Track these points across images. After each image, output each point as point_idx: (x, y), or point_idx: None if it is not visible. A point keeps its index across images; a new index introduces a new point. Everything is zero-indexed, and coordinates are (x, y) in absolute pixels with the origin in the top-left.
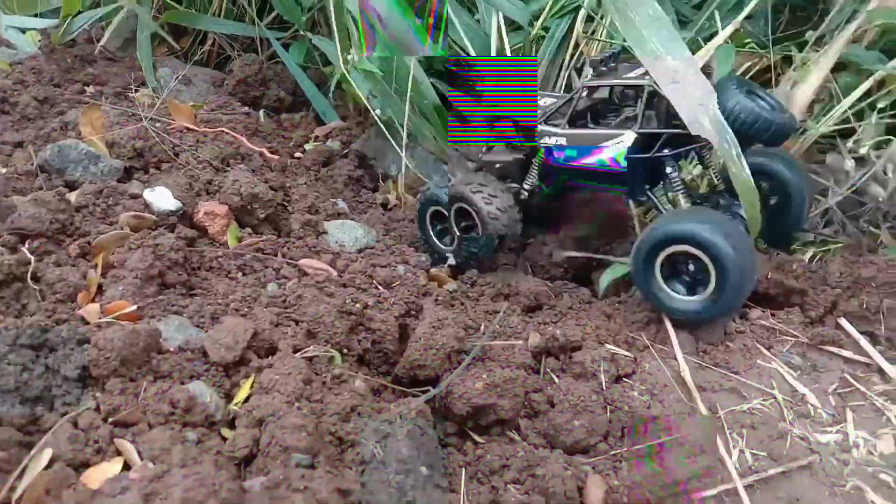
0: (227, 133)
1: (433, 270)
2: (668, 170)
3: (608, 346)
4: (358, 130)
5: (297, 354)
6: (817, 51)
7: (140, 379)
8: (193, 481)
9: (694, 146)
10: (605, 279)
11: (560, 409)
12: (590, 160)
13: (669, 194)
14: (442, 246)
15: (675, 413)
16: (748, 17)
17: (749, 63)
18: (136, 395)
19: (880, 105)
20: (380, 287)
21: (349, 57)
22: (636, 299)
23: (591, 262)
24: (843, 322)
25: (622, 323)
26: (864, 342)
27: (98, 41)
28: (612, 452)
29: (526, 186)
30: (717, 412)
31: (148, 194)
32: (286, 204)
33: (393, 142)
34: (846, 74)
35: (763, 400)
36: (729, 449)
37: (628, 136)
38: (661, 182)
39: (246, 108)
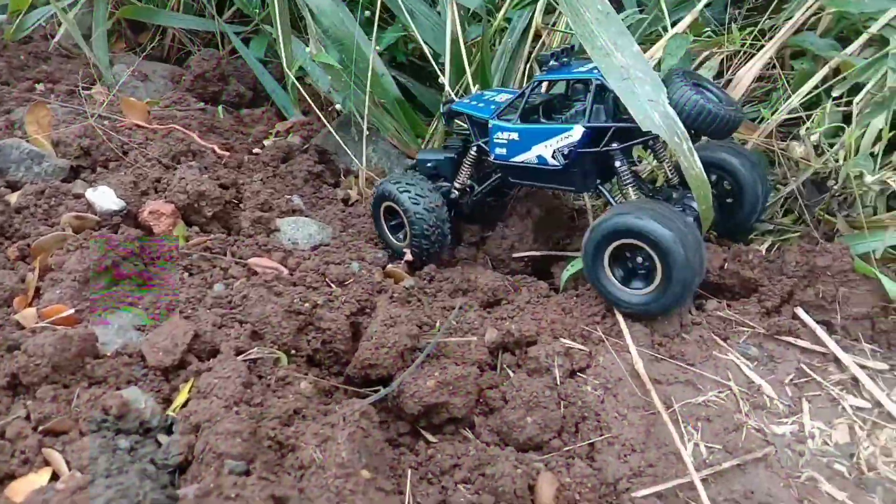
0: (177, 130)
1: (389, 267)
2: (618, 164)
3: (563, 340)
4: (320, 125)
5: (240, 357)
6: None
7: (74, 385)
8: (116, 492)
9: (642, 139)
10: (565, 275)
11: (513, 405)
12: (528, 156)
13: (621, 188)
14: (396, 241)
15: (628, 407)
16: (708, 5)
17: (708, 52)
18: (69, 403)
19: (835, 93)
20: (332, 285)
21: (307, 50)
22: (593, 292)
23: (551, 255)
24: (800, 312)
25: (578, 316)
26: (820, 331)
27: (54, 37)
28: (566, 448)
29: (457, 185)
30: (672, 405)
31: (90, 194)
32: (238, 201)
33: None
34: (803, 61)
35: (719, 392)
36: (684, 442)
37: (577, 131)
38: (615, 176)
39: (202, 104)
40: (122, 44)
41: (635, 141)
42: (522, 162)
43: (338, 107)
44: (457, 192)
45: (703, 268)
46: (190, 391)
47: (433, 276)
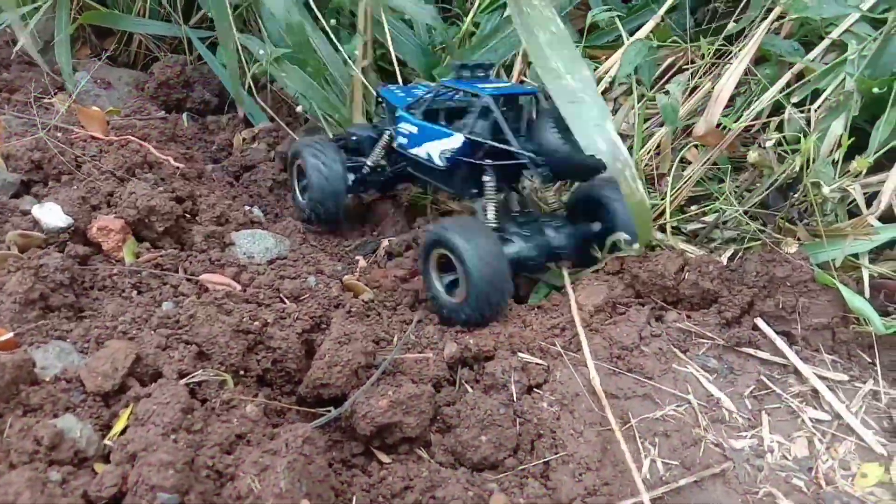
0: (133, 141)
1: (348, 280)
2: (485, 178)
3: (521, 354)
4: (286, 132)
5: (184, 380)
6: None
7: (7, 414)
8: None
9: (513, 162)
10: (534, 299)
11: (467, 424)
12: (420, 151)
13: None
14: (302, 200)
15: (585, 423)
16: (673, 10)
17: (673, 57)
18: (1, 433)
19: (794, 99)
20: (286, 301)
21: (261, 52)
22: (551, 304)
23: None
24: (760, 322)
25: (538, 329)
26: (780, 342)
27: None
28: (521, 468)
29: (369, 163)
30: (629, 420)
31: (36, 210)
32: (193, 214)
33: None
34: (767, 67)
35: (677, 406)
36: (640, 459)
37: (457, 138)
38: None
39: (163, 113)
40: (88, 50)
41: (505, 162)
42: (416, 155)
43: (299, 109)
44: (368, 169)
45: (505, 289)
46: (128, 418)
47: (395, 287)
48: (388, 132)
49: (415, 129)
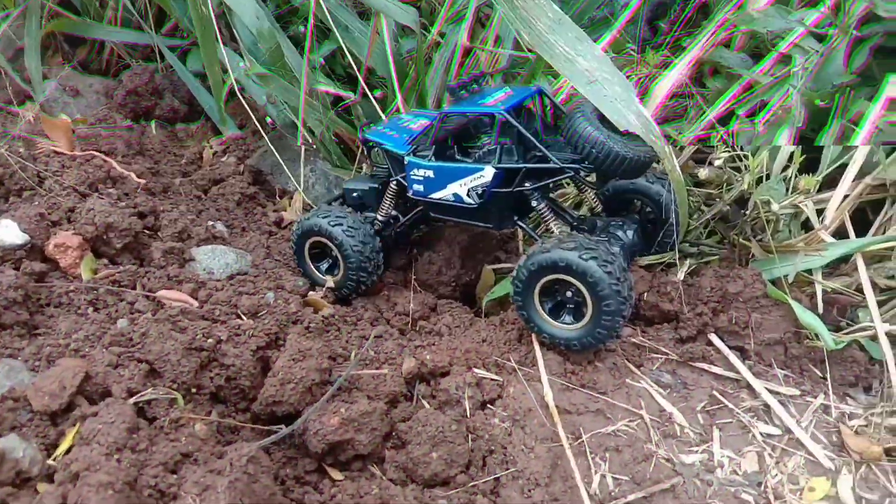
0: (97, 156)
1: (310, 295)
2: (534, 203)
3: (477, 370)
4: (255, 142)
5: (133, 398)
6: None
7: None
8: None
9: (556, 178)
10: (486, 301)
11: (419, 440)
12: (445, 194)
13: (542, 225)
14: (319, 275)
15: (536, 439)
16: (633, 21)
17: (629, 70)
18: None
19: (739, 112)
20: (243, 317)
21: (239, 64)
22: (510, 318)
23: (477, 279)
24: (714, 338)
25: (495, 345)
26: (733, 357)
27: None
28: (471, 484)
29: (380, 217)
30: (581, 436)
31: None
32: (155, 230)
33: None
34: (717, 80)
35: (630, 421)
36: (590, 474)
37: (487, 171)
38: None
39: (129, 122)
40: (59, 58)
41: (549, 180)
42: (441, 199)
43: (268, 119)
44: (381, 223)
45: (632, 295)
46: (74, 437)
47: (354, 303)
48: (394, 182)
49: (431, 174)
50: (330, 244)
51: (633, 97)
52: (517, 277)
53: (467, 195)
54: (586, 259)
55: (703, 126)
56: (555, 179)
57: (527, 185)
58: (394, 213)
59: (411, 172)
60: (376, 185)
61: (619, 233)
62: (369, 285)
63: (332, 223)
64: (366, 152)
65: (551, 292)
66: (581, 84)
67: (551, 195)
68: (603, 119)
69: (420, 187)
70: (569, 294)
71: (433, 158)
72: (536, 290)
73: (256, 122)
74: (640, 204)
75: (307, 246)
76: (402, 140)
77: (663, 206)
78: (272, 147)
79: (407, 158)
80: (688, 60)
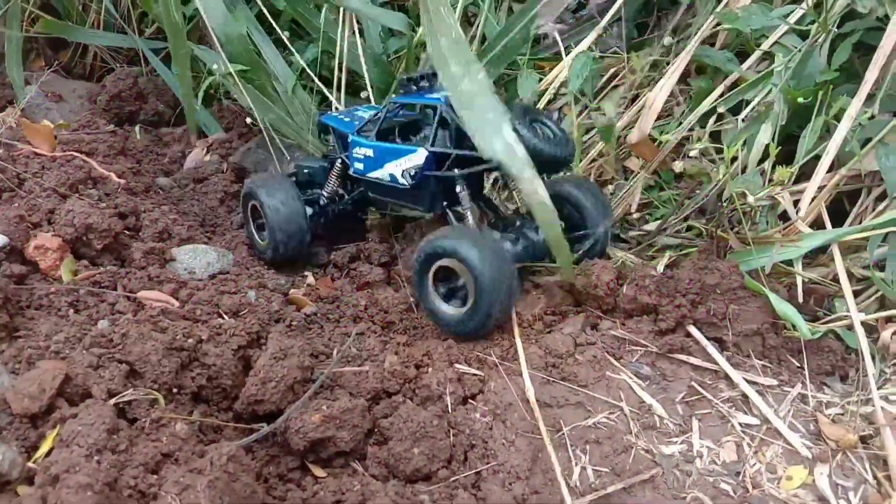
0: (77, 157)
1: (292, 293)
2: (458, 189)
3: (458, 365)
4: (240, 143)
5: (113, 399)
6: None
7: None
8: None
9: (483, 167)
10: None
11: (400, 436)
12: (381, 174)
13: (460, 211)
14: (260, 241)
15: (517, 433)
16: (617, 20)
17: (615, 68)
18: None
19: (721, 109)
20: (225, 316)
21: (215, 66)
22: None
23: None
24: (693, 329)
25: (477, 339)
26: (711, 349)
27: None
28: (453, 479)
29: (325, 193)
30: (561, 429)
31: None
32: (136, 230)
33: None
34: (702, 79)
35: (610, 413)
36: (571, 466)
37: (420, 154)
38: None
39: (112, 126)
40: (42, 62)
41: (475, 168)
42: (377, 178)
43: (248, 121)
44: (325, 200)
45: (513, 291)
46: (54, 440)
47: (338, 300)
48: (339, 160)
49: (370, 152)
50: (257, 204)
51: (504, 126)
52: (415, 259)
53: (402, 176)
54: (469, 249)
55: (685, 126)
56: (481, 168)
57: (455, 171)
58: (340, 191)
59: (353, 151)
60: (325, 164)
61: (531, 234)
62: (290, 250)
63: (258, 185)
64: (320, 135)
65: (447, 278)
66: (460, 105)
67: (485, 192)
68: (534, 120)
69: (360, 165)
70: (461, 282)
71: (374, 139)
72: (430, 273)
73: (242, 124)
74: (564, 210)
75: (249, 208)
76: (352, 125)
77: (587, 213)
78: (257, 147)
79: (351, 137)
80: (681, 66)
